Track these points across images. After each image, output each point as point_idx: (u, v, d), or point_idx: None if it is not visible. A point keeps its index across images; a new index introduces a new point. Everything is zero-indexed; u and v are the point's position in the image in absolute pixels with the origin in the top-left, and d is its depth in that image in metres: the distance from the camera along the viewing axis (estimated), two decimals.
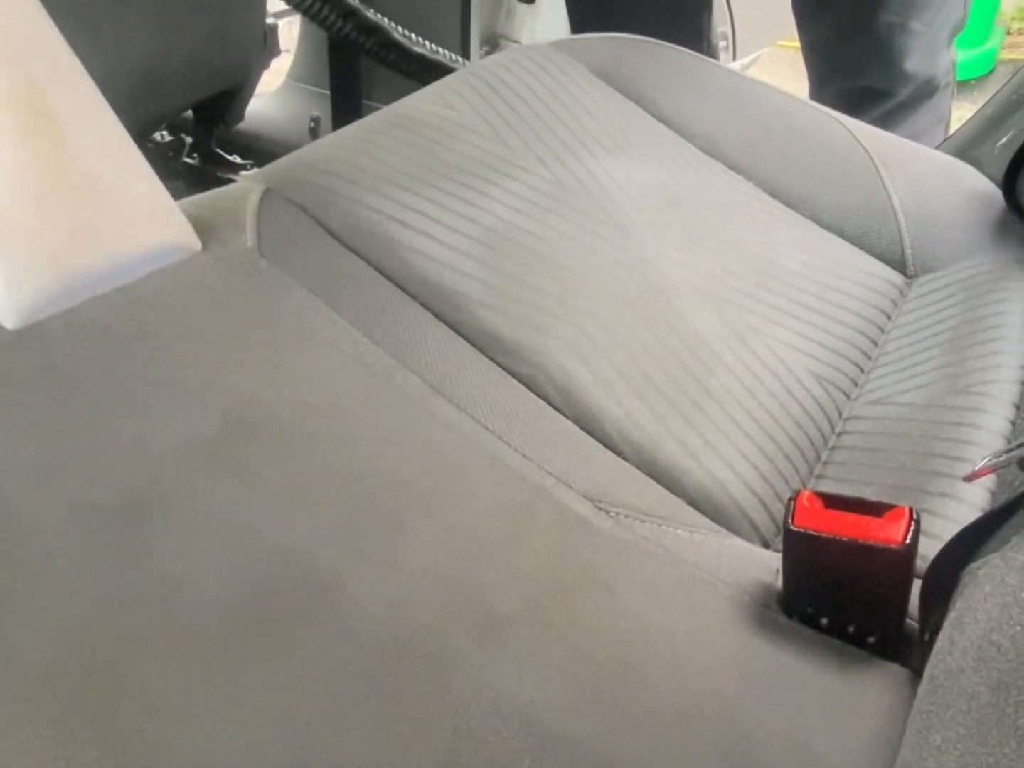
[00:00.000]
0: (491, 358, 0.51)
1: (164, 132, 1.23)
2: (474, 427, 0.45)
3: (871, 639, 0.39)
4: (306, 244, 0.51)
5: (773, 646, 0.37)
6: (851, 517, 0.38)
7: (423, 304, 0.52)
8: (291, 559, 0.37)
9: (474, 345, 0.51)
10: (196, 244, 0.47)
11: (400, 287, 0.51)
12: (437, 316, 0.51)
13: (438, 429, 0.45)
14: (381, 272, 0.52)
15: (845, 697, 0.36)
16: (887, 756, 0.33)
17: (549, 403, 0.50)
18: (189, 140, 1.22)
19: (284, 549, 0.37)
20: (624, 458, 0.49)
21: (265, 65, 1.18)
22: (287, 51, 1.36)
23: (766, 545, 0.49)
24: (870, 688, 0.37)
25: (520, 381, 0.50)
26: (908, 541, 0.36)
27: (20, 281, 0.41)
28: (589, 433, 0.50)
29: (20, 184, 0.40)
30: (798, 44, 1.14)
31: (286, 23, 1.31)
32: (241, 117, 1.18)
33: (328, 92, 1.21)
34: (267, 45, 1.14)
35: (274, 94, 1.34)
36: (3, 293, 0.41)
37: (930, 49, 1.02)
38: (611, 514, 0.44)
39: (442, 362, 0.48)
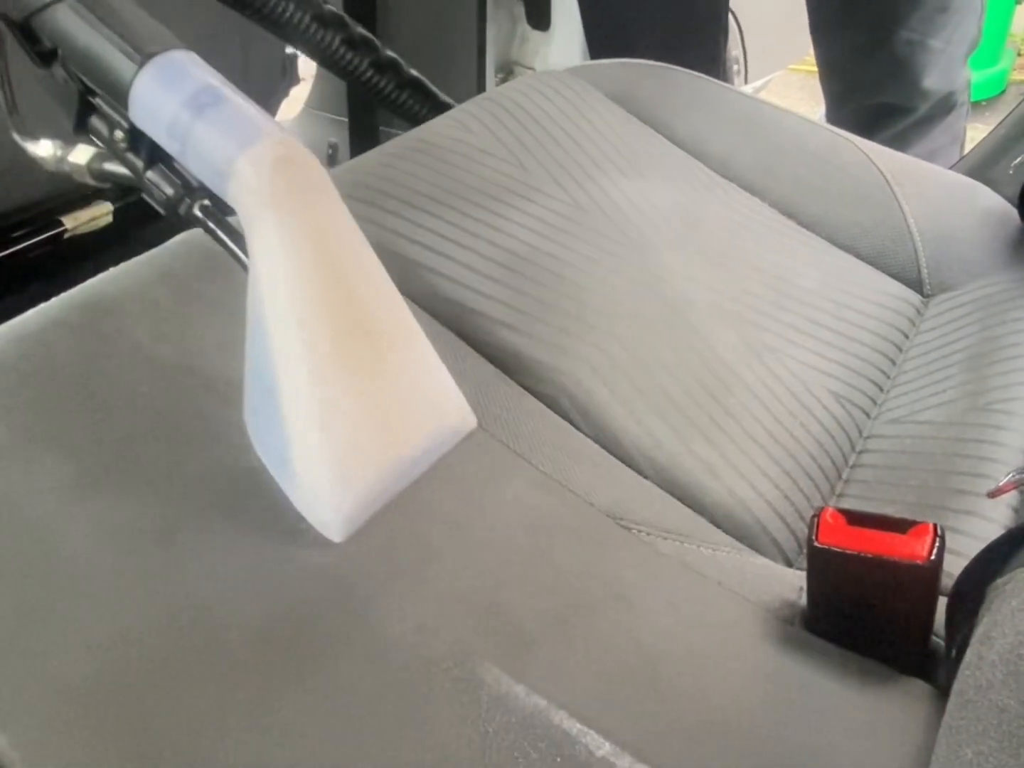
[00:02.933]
0: (512, 378, 0.51)
1: None
2: (496, 446, 0.46)
3: (896, 656, 0.39)
4: None
5: (797, 662, 0.37)
6: (875, 534, 0.38)
7: (444, 324, 0.52)
8: (322, 583, 0.37)
9: (495, 365, 0.52)
10: (473, 421, 0.46)
11: (421, 307, 0.52)
12: (458, 335, 0.52)
13: (460, 448, 0.45)
14: (404, 294, 0.53)
15: (870, 713, 0.36)
16: (915, 765, 0.33)
17: (570, 422, 0.51)
18: None
19: (315, 572, 0.38)
20: (645, 476, 0.49)
21: (285, 94, 1.20)
22: (305, 80, 1.38)
23: (788, 564, 0.49)
24: (895, 704, 0.36)
25: (541, 400, 0.51)
26: (933, 557, 0.36)
27: (346, 491, 0.39)
28: (610, 452, 0.50)
29: (346, 390, 0.39)
30: (809, 68, 1.15)
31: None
32: None
33: (346, 119, 1.23)
34: (286, 76, 1.16)
35: (292, 122, 1.36)
36: (330, 505, 0.39)
37: (948, 66, 1.02)
38: (633, 531, 0.44)
39: (463, 381, 0.49)
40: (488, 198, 0.61)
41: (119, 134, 0.43)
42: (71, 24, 0.41)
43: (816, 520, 0.38)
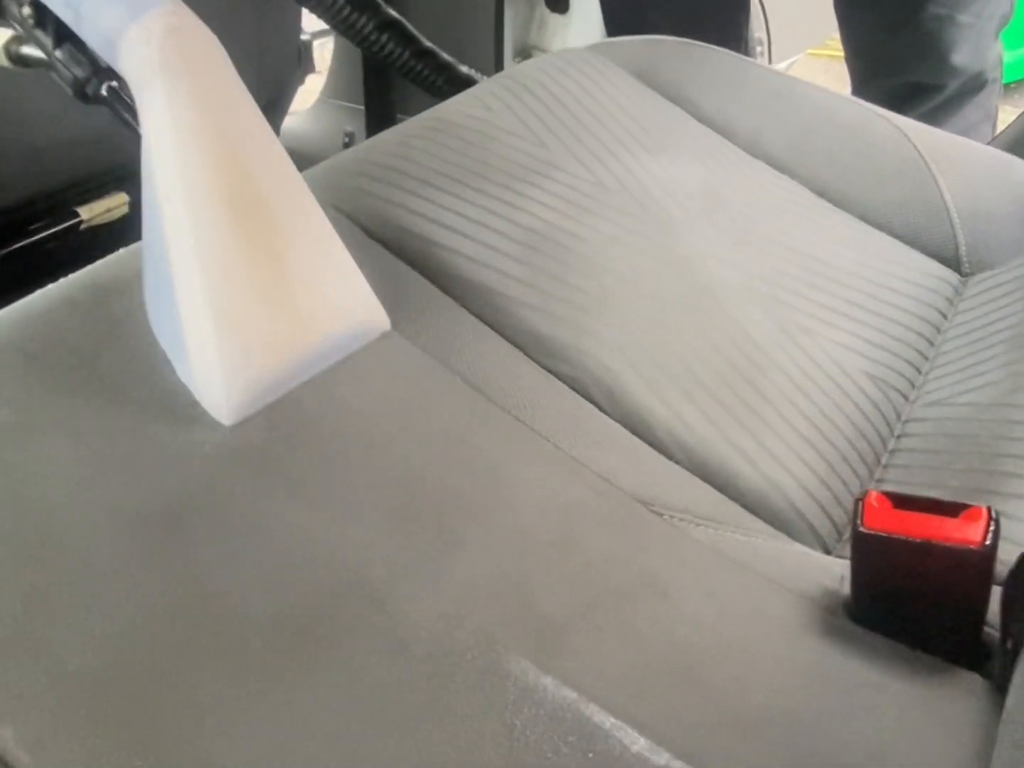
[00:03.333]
0: (534, 359, 0.49)
1: None
2: (519, 428, 0.44)
3: (946, 647, 0.36)
4: (348, 248, 0.50)
5: (842, 654, 0.35)
6: (924, 517, 0.35)
7: (463, 305, 0.50)
8: (338, 570, 0.36)
9: (516, 346, 0.50)
10: (386, 323, 0.45)
11: (440, 287, 0.50)
12: (478, 316, 0.50)
13: (482, 431, 0.43)
14: (421, 272, 0.51)
15: (922, 708, 0.34)
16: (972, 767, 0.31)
17: (594, 404, 0.49)
18: None
19: (331, 559, 0.36)
20: (675, 461, 0.47)
21: (300, 82, 1.19)
22: (319, 73, 1.37)
23: (827, 551, 0.46)
24: (948, 698, 0.34)
25: (563, 382, 0.49)
26: (988, 542, 0.34)
27: (238, 373, 0.39)
28: (637, 435, 0.48)
29: (237, 276, 0.39)
30: (832, 52, 1.12)
31: (319, 44, 1.32)
32: (277, 134, 1.19)
33: (362, 107, 1.21)
34: (302, 62, 1.15)
35: (308, 111, 1.34)
36: (220, 387, 0.39)
37: (978, 42, 0.99)
38: (664, 517, 0.42)
39: (484, 362, 0.47)
40: (508, 177, 0.59)
41: (26, 10, 0.43)
42: None
43: (861, 504, 0.36)
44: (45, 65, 0.45)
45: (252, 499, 0.37)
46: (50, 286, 0.43)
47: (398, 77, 1.13)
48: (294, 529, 0.36)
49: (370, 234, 0.52)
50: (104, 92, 0.43)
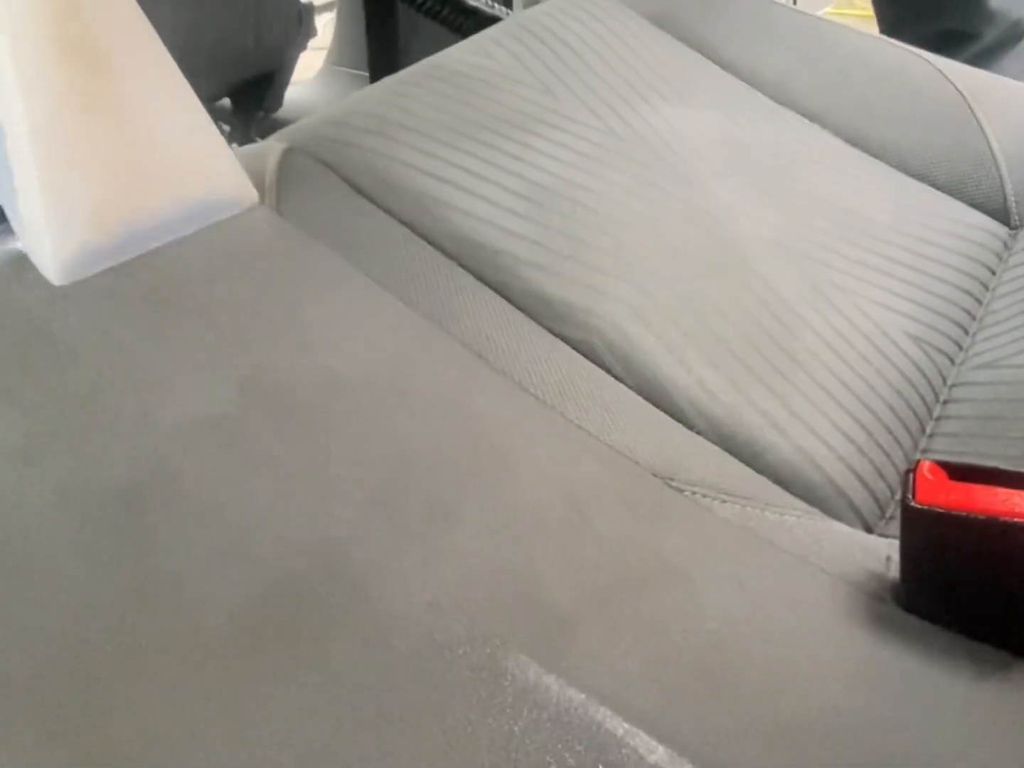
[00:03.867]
0: (540, 323, 0.45)
1: None
2: (524, 397, 0.39)
3: (1013, 639, 0.32)
4: (331, 203, 0.46)
5: (892, 646, 0.31)
6: (985, 490, 0.31)
7: (462, 265, 0.46)
8: (314, 554, 0.32)
9: (520, 309, 0.45)
10: (253, 196, 0.43)
11: (436, 246, 0.46)
12: (478, 278, 0.46)
13: (483, 401, 0.39)
14: (415, 231, 0.46)
15: (985, 707, 0.29)
16: None
17: (607, 371, 0.44)
18: (227, 129, 1.18)
19: (307, 542, 0.32)
20: (697, 432, 0.43)
21: (302, 46, 1.14)
22: (320, 49, 1.32)
23: (868, 530, 0.42)
24: (1015, 696, 0.30)
25: (573, 347, 0.44)
26: None
27: (67, 233, 0.37)
28: (654, 404, 0.43)
29: (65, 120, 0.36)
30: (859, 12, 1.05)
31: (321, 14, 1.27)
32: (280, 103, 1.15)
33: (367, 74, 1.16)
34: (302, 26, 1.10)
35: (312, 80, 1.30)
36: (49, 245, 0.36)
37: None
38: (686, 493, 0.37)
39: (485, 326, 0.43)
40: (513, 128, 0.54)
41: None
42: None
43: (911, 475, 0.31)
44: None
45: (212, 480, 0.33)
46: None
47: (403, 42, 1.09)
48: (259, 508, 0.32)
49: (358, 189, 0.48)
50: None
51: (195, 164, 0.40)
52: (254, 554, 0.31)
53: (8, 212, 0.38)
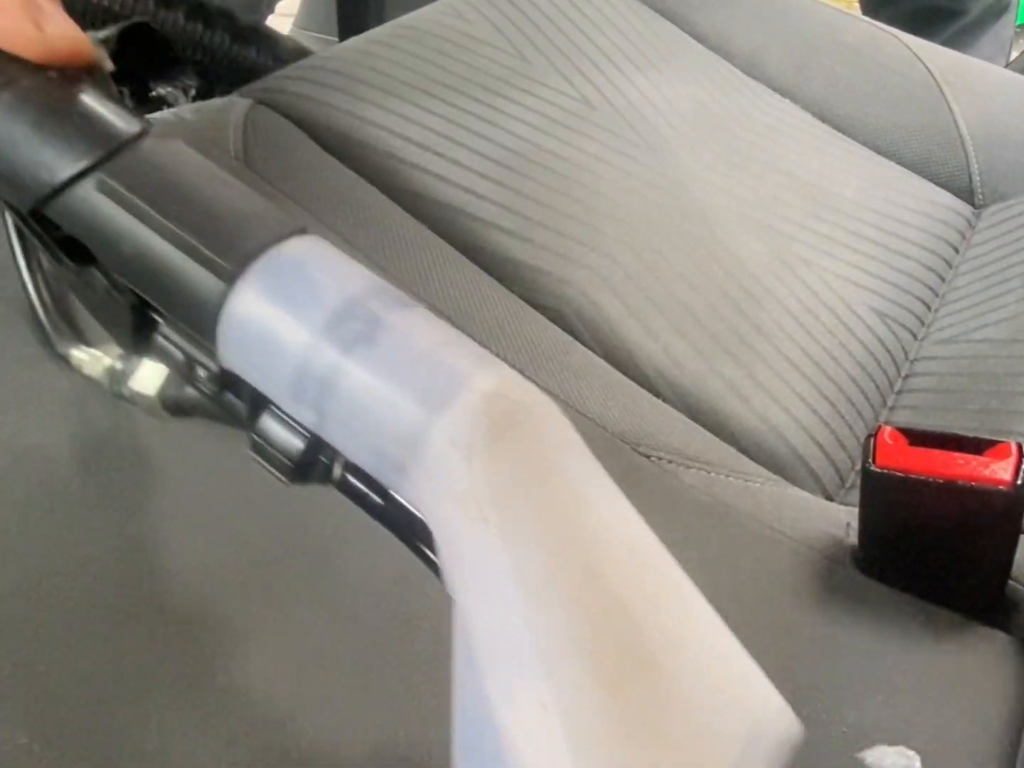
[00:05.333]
0: (508, 287, 0.45)
1: (164, 84, 1.16)
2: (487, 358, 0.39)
3: (967, 600, 0.32)
4: (297, 159, 0.45)
5: (853, 611, 0.31)
6: (945, 455, 0.31)
7: (430, 227, 0.45)
8: (280, 520, 0.31)
9: (490, 274, 0.45)
10: (798, 729, 0.25)
11: (404, 207, 0.45)
12: (446, 240, 0.45)
13: None
14: (382, 190, 0.46)
15: (944, 669, 0.30)
16: (1003, 738, 0.27)
17: (575, 338, 0.44)
18: (193, 93, 1.15)
19: (274, 508, 0.31)
20: (663, 399, 0.43)
21: (270, 9, 1.11)
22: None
23: (829, 498, 0.42)
24: (972, 658, 0.30)
25: (541, 313, 0.44)
26: (1020, 482, 0.29)
27: None
28: (622, 371, 0.43)
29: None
30: None
31: None
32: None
33: (336, 39, 1.14)
34: None
35: None
36: None
37: None
38: (652, 459, 0.37)
39: (454, 290, 0.42)
40: (483, 90, 0.53)
41: (202, 372, 0.24)
42: (105, 212, 0.21)
43: (872, 440, 0.31)
44: (233, 425, 0.25)
45: (179, 444, 0.32)
46: None
47: (373, 4, 1.06)
48: (226, 471, 0.32)
49: (327, 148, 0.47)
50: (351, 478, 0.24)
51: (747, 721, 0.24)
52: (218, 518, 0.31)
53: None
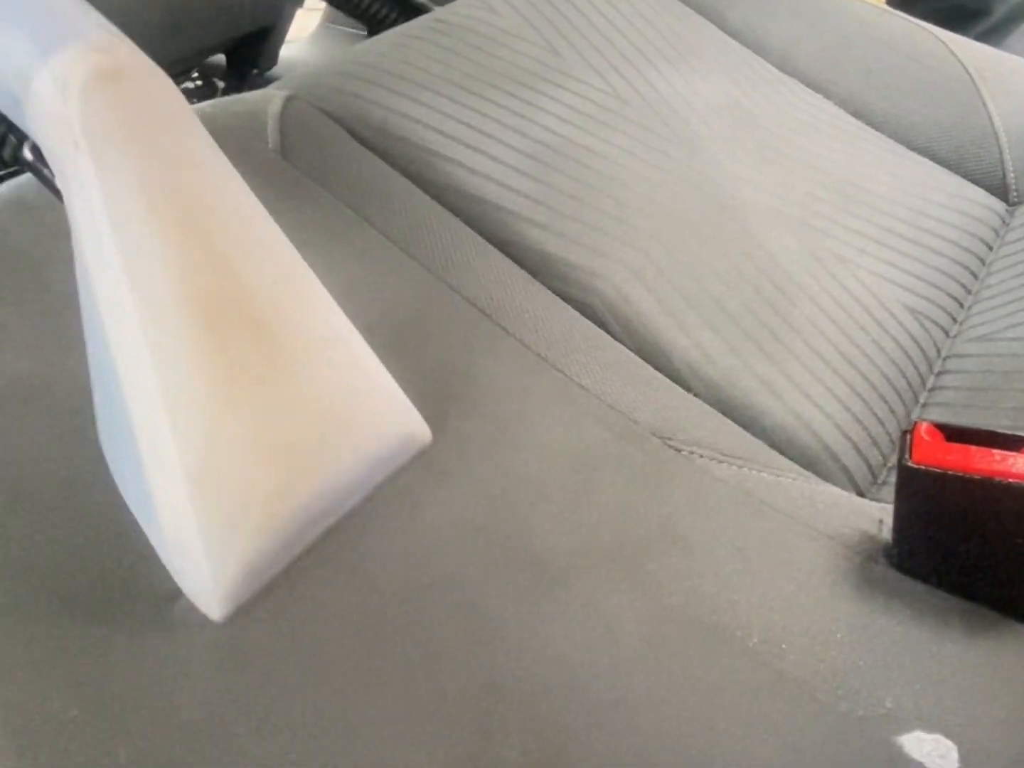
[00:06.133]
0: (541, 281, 0.45)
1: (196, 78, 1.18)
2: (527, 356, 0.39)
3: (1005, 600, 0.32)
4: (333, 151, 0.45)
5: (888, 605, 0.31)
6: (981, 451, 0.31)
7: (464, 220, 0.46)
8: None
9: (521, 266, 0.45)
10: (427, 436, 0.34)
11: (438, 200, 0.45)
12: (480, 233, 0.45)
13: (487, 362, 0.39)
14: (417, 184, 0.46)
15: (979, 662, 0.29)
16: None
17: (607, 332, 0.44)
18: (221, 86, 1.16)
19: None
20: (694, 394, 0.43)
21: (297, 3, 1.12)
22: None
23: (860, 495, 0.42)
24: (1007, 653, 0.30)
25: (573, 307, 0.44)
26: None
27: (230, 555, 0.27)
28: (653, 366, 0.43)
29: (219, 416, 0.26)
30: None
31: None
32: (274, 61, 1.12)
33: (364, 32, 1.14)
34: None
35: (308, 39, 1.28)
36: (208, 571, 0.27)
37: None
38: (684, 453, 0.37)
39: (486, 282, 0.42)
40: (516, 84, 0.53)
41: None
42: None
43: (909, 436, 0.31)
44: None
45: None
46: (1, 185, 0.39)
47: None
48: None
49: (362, 142, 0.47)
50: (28, 154, 0.27)
51: (369, 416, 0.30)
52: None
53: (143, 523, 0.28)
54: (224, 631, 0.27)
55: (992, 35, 0.95)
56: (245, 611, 0.28)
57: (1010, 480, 0.30)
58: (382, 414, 0.31)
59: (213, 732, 0.25)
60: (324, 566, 0.29)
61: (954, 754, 0.26)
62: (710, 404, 0.43)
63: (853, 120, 0.63)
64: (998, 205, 0.60)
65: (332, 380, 0.29)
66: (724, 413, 0.42)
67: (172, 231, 0.25)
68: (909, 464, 0.31)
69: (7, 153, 0.29)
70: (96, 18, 0.24)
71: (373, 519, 0.31)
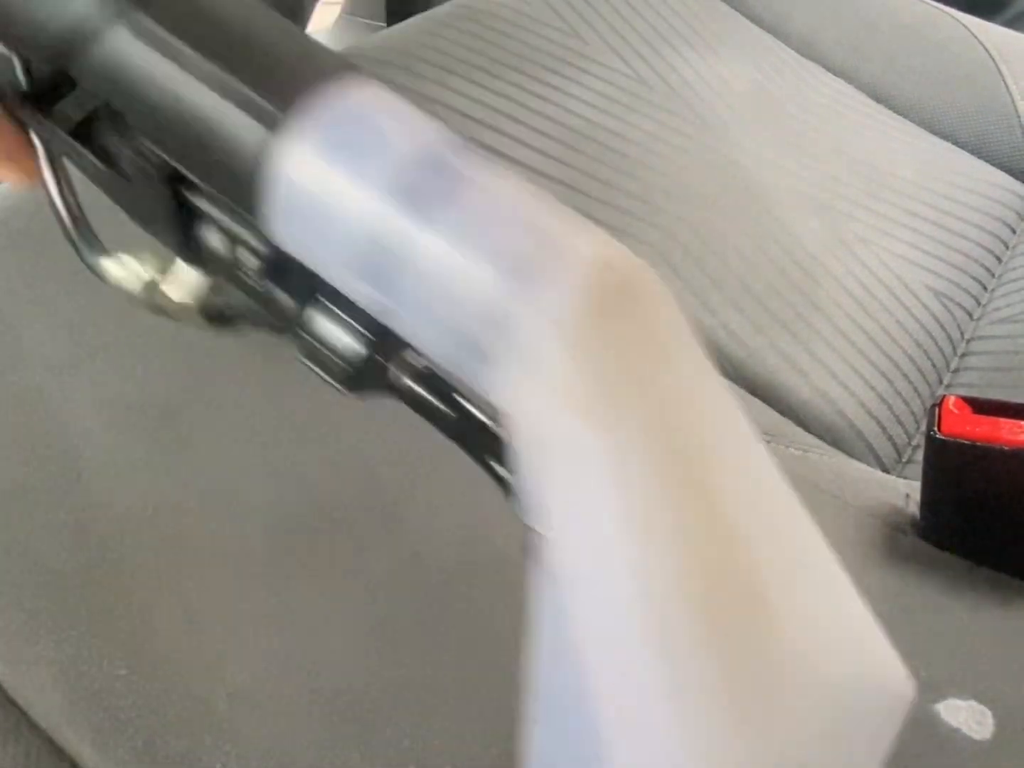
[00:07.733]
0: None
1: None
2: None
3: None
4: None
5: (919, 575, 0.31)
6: (1009, 423, 0.31)
7: None
8: (351, 469, 0.32)
9: None
10: (911, 688, 0.23)
11: None
12: None
13: None
14: None
15: (1011, 631, 0.30)
16: None
17: None
18: None
19: (344, 458, 0.32)
20: (721, 373, 0.43)
21: None
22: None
23: (886, 471, 0.42)
24: None
25: None
26: None
27: None
28: None
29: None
30: None
31: None
32: None
33: (384, 25, 1.15)
34: None
35: (328, 32, 1.28)
36: None
37: None
38: None
39: None
40: (542, 69, 0.54)
41: (248, 259, 0.20)
42: (137, 63, 0.18)
43: (938, 409, 0.32)
44: (275, 331, 0.22)
45: (253, 394, 0.33)
46: None
47: None
48: (302, 424, 0.33)
49: None
50: (409, 381, 0.20)
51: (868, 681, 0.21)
52: (293, 467, 0.32)
53: None
54: None
55: (1016, 25, 0.94)
56: None
57: None
58: (872, 661, 0.22)
59: None
60: None
61: (989, 719, 0.26)
62: (736, 383, 0.43)
63: (875, 104, 0.63)
64: (1021, 189, 0.60)
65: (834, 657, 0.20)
66: (751, 391, 0.43)
67: (695, 527, 0.16)
68: (937, 436, 0.31)
69: (370, 381, 0.20)
70: (568, 210, 0.16)
71: None
